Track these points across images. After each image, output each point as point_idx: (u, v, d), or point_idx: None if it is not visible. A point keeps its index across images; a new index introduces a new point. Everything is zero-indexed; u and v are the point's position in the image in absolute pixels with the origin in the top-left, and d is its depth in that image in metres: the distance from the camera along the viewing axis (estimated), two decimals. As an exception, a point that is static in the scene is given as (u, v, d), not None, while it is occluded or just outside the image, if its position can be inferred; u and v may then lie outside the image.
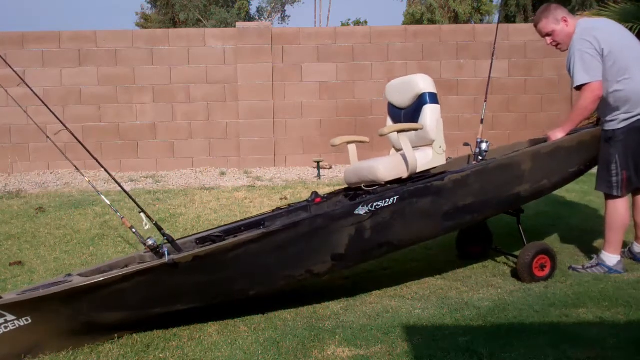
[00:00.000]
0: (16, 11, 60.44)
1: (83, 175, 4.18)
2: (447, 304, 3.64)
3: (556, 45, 4.17)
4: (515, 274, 4.20)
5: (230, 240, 3.27)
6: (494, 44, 5.09)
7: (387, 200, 3.56)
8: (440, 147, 4.10)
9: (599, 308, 3.40)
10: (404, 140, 3.95)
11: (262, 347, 3.04)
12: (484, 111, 4.43)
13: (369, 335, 3.12)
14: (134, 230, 3.57)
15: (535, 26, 4.19)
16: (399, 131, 3.96)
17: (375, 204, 3.53)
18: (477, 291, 3.94)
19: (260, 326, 3.37)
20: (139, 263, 3.53)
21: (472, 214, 3.91)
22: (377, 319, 3.43)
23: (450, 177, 3.76)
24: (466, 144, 4.79)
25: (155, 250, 3.17)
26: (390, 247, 3.73)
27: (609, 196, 4.14)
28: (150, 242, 3.17)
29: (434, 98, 4.11)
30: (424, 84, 4.13)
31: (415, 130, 4.08)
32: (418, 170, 4.02)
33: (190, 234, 4.23)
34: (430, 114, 4.08)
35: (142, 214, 3.45)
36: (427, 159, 4.08)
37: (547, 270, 4.06)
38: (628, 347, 2.86)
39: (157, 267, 3.08)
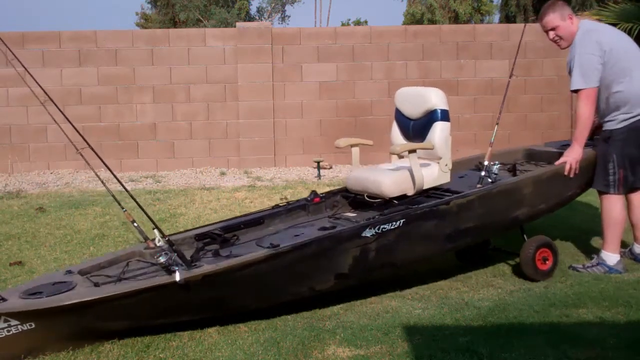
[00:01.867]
0: (16, 11, 60.44)
1: (103, 180, 4.18)
2: (447, 304, 3.64)
3: (557, 41, 4.21)
4: (515, 274, 4.21)
5: (240, 259, 3.28)
6: (514, 63, 4.74)
7: (394, 223, 3.60)
8: (446, 165, 4.13)
9: (599, 308, 3.40)
10: (413, 159, 3.97)
11: (262, 347, 3.04)
12: (494, 134, 4.39)
13: (369, 335, 3.12)
14: (135, 224, 3.57)
15: (541, 20, 4.23)
16: (410, 150, 3.98)
17: (382, 227, 3.57)
18: (477, 291, 3.95)
19: (260, 326, 3.37)
20: (138, 260, 3.53)
21: (472, 236, 3.99)
22: (377, 319, 3.43)
23: (455, 201, 3.81)
24: (478, 165, 4.75)
25: (167, 268, 3.15)
26: (392, 267, 3.79)
27: (604, 194, 4.19)
28: (162, 259, 3.14)
29: (445, 115, 4.13)
30: (436, 99, 4.15)
31: (425, 149, 4.10)
32: (424, 188, 4.05)
33: (190, 228, 4.22)
34: (440, 131, 4.11)
35: (155, 230, 3.45)
36: (432, 176, 4.10)
37: (549, 263, 4.08)
38: (628, 347, 2.87)
39: (168, 284, 3.08)
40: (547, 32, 4.24)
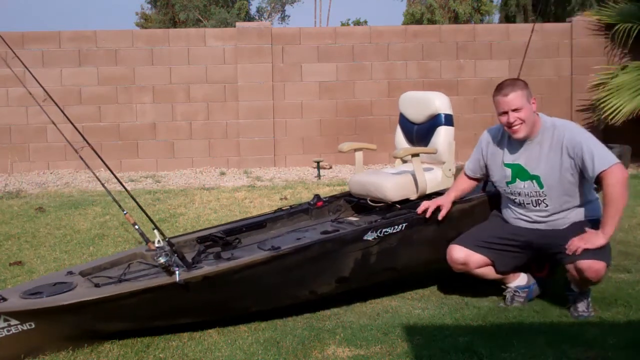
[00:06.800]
0: (16, 11, 60.49)
1: (102, 182, 4.19)
2: (447, 304, 3.64)
3: (517, 126, 3.35)
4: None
5: (240, 261, 3.27)
6: (520, 67, 4.71)
7: (396, 227, 3.58)
8: (449, 169, 4.09)
9: (599, 308, 3.40)
10: (417, 163, 3.95)
11: (262, 347, 3.04)
12: None
13: (369, 335, 3.12)
14: (136, 227, 3.57)
15: (505, 95, 3.38)
16: (413, 155, 3.96)
17: (384, 230, 3.55)
18: (477, 291, 3.94)
19: (260, 326, 3.37)
20: (140, 261, 3.53)
21: None
22: (377, 319, 3.43)
23: (457, 206, 3.77)
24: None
25: (167, 268, 3.15)
26: (394, 272, 3.76)
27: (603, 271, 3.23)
28: (162, 259, 3.13)
29: (449, 120, 4.10)
30: (440, 103, 4.12)
31: (429, 153, 4.08)
32: (427, 192, 4.02)
33: (192, 231, 4.22)
34: (444, 135, 4.08)
35: (155, 231, 3.45)
36: (436, 181, 4.07)
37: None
38: (628, 347, 2.87)
39: (167, 285, 3.08)
40: (505, 113, 3.37)
